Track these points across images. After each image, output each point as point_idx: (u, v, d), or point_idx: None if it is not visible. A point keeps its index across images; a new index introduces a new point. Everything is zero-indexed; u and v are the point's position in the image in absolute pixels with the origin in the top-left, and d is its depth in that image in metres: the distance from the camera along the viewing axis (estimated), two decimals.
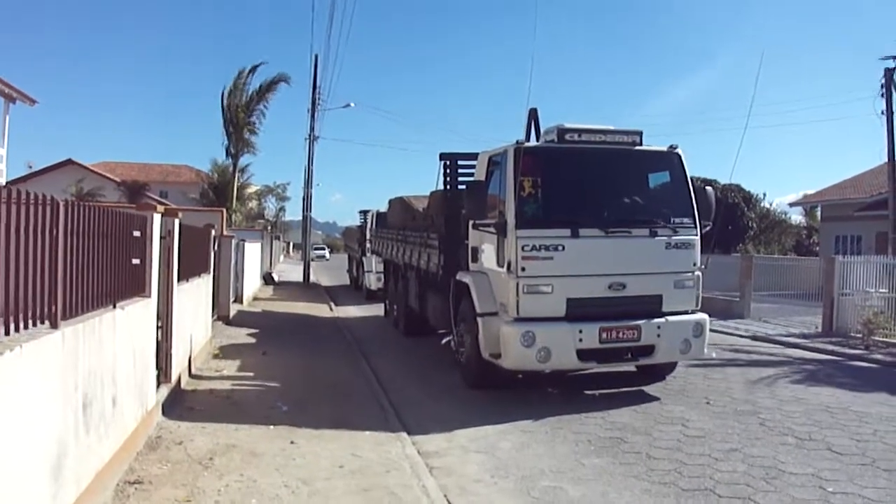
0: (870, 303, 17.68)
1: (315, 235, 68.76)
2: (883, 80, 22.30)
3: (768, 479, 7.22)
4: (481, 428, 9.15)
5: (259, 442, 7.96)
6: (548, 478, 7.33)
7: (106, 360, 6.04)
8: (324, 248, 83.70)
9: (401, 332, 17.93)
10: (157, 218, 8.03)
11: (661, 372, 11.83)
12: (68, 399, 5.06)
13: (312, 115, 38.69)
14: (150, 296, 7.84)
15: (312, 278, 38.80)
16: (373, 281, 26.76)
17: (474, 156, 12.44)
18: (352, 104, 42.83)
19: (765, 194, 48.97)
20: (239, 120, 39.22)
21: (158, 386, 8.64)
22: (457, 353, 12.13)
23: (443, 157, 13.42)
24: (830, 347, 16.31)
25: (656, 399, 10.71)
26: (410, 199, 17.77)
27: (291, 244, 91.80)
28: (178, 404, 9.32)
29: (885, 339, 16.58)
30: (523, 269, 10.10)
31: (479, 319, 10.77)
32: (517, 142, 10.63)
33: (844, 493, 6.85)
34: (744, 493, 6.82)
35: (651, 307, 10.63)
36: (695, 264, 10.98)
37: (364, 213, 30.11)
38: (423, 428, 9.10)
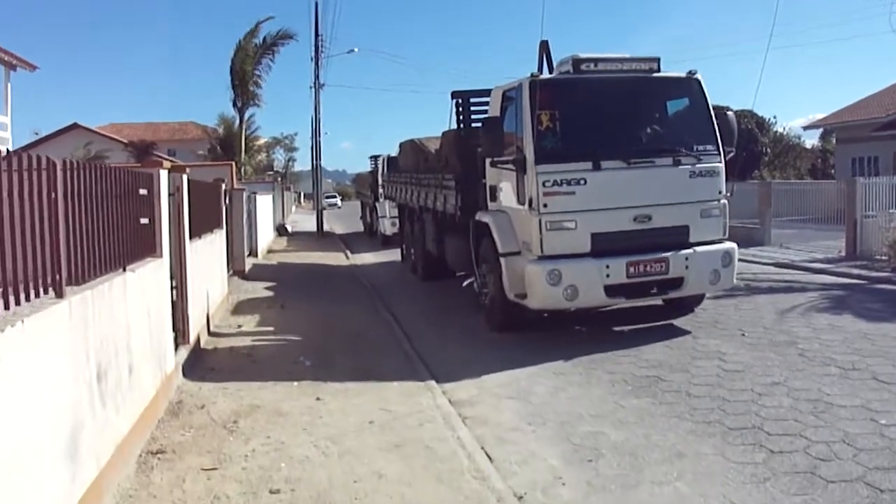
0: (894, 224, 17.26)
1: (325, 184, 68.13)
2: None
3: (816, 412, 6.91)
4: (511, 372, 8.89)
5: (284, 400, 7.69)
6: (587, 423, 7.05)
7: (119, 326, 5.73)
8: (335, 197, 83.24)
9: (419, 276, 17.51)
10: (163, 175, 7.65)
11: (689, 304, 11.52)
12: (80, 372, 4.75)
13: (316, 63, 38.17)
14: (161, 256, 7.52)
15: (326, 227, 38.45)
16: (387, 227, 26.28)
17: (487, 92, 11.94)
18: (355, 49, 42.30)
19: (775, 118, 47.79)
20: (246, 74, 38.55)
21: (177, 348, 8.38)
22: (480, 295, 11.81)
23: (454, 94, 12.90)
24: (856, 271, 15.93)
25: (688, 333, 10.38)
26: (422, 142, 17.28)
27: (302, 194, 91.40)
28: (199, 365, 9.07)
29: None
30: (545, 206, 9.73)
31: (501, 260, 10.46)
32: (532, 74, 10.26)
33: None
34: (793, 430, 6.51)
35: (678, 238, 10.26)
36: (720, 192, 10.58)
37: (375, 158, 29.64)
38: (450, 375, 8.83)
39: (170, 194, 8.15)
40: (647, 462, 6.05)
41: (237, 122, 41.69)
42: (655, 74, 10.73)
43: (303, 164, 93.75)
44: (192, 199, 9.40)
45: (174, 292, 8.50)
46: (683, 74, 10.86)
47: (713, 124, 10.65)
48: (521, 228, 10.31)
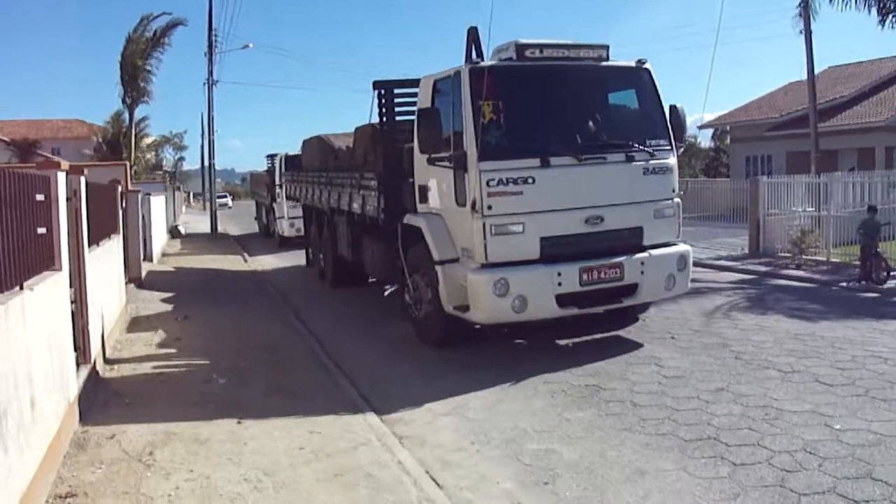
0: (796, 222, 17.63)
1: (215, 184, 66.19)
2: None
3: (769, 420, 6.76)
4: (442, 384, 8.44)
5: (202, 426, 6.97)
6: (534, 439, 6.64)
7: (18, 356, 4.95)
8: (226, 196, 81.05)
9: (329, 283, 16.40)
10: (61, 177, 6.84)
11: (633, 313, 10.85)
12: None
13: (210, 59, 36.86)
14: (60, 268, 6.71)
15: (220, 228, 37.20)
16: (285, 228, 25.66)
17: (414, 82, 10.87)
18: (250, 45, 40.97)
19: None
20: (136, 69, 36.87)
21: (78, 369, 7.55)
22: (410, 307, 10.71)
23: (377, 85, 11.44)
24: (763, 269, 16.25)
25: (616, 336, 10.19)
26: (329, 138, 16.38)
27: (192, 194, 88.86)
28: (102, 388, 8.22)
29: (813, 258, 16.54)
30: (490, 208, 8.81)
31: (437, 268, 9.55)
32: (471, 61, 9.33)
33: (853, 429, 6.43)
34: (751, 439, 6.33)
35: (632, 241, 9.58)
36: (674, 190, 9.98)
37: (271, 157, 28.82)
38: (378, 392, 8.28)
39: (67, 199, 7.33)
40: (609, 481, 5.70)
41: (127, 119, 39.94)
42: (604, 63, 9.96)
43: (191, 163, 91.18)
44: (89, 204, 8.56)
45: (73, 307, 7.68)
46: (633, 63, 10.12)
47: (665, 117, 10.01)
48: (459, 233, 9.42)
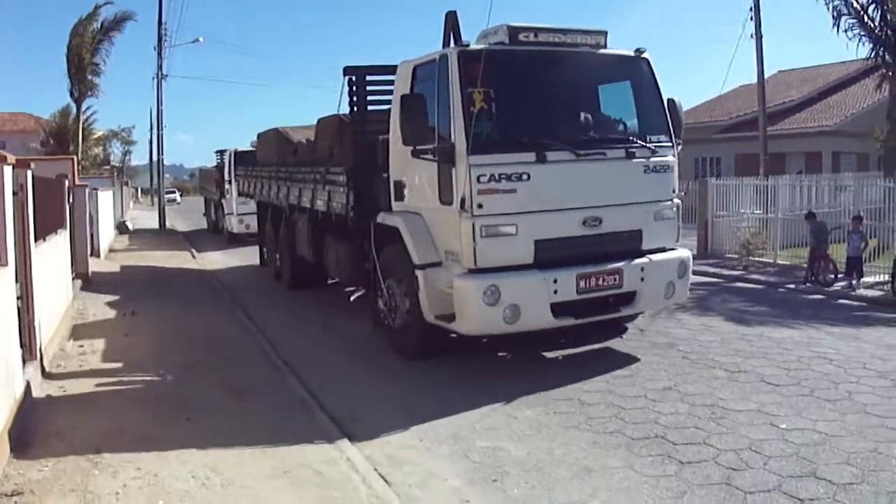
0: (744, 224, 18.00)
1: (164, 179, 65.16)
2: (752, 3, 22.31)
3: (715, 419, 6.94)
4: (393, 381, 8.57)
5: (150, 423, 6.93)
6: (483, 436, 6.73)
7: None
8: (174, 192, 79.96)
9: (285, 284, 15.67)
10: (7, 171, 6.74)
11: (621, 323, 10.35)
12: None
13: (159, 53, 36.27)
14: (6, 264, 6.61)
15: (168, 224, 36.73)
16: (234, 224, 25.55)
17: (389, 69, 10.10)
18: (200, 39, 40.57)
19: None
20: (83, 61, 36.18)
21: (24, 366, 7.45)
22: (385, 315, 9.84)
23: (347, 71, 10.41)
24: (711, 270, 16.57)
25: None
26: (287, 131, 15.52)
27: (140, 189, 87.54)
28: (49, 385, 8.12)
29: (761, 260, 16.93)
30: (480, 207, 8.04)
31: (418, 273, 8.73)
32: (460, 44, 8.54)
33: (799, 429, 6.61)
34: (697, 438, 6.49)
35: (630, 245, 8.93)
36: (674, 191, 9.41)
37: (221, 153, 28.55)
38: (329, 389, 8.27)
39: (14, 193, 7.24)
40: (556, 479, 5.81)
41: (74, 112, 39.21)
42: (603, 51, 9.25)
43: (140, 158, 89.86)
44: (35, 198, 8.45)
45: (20, 303, 7.58)
46: (631, 52, 9.46)
47: (665, 111, 9.38)
48: (442, 234, 8.67)
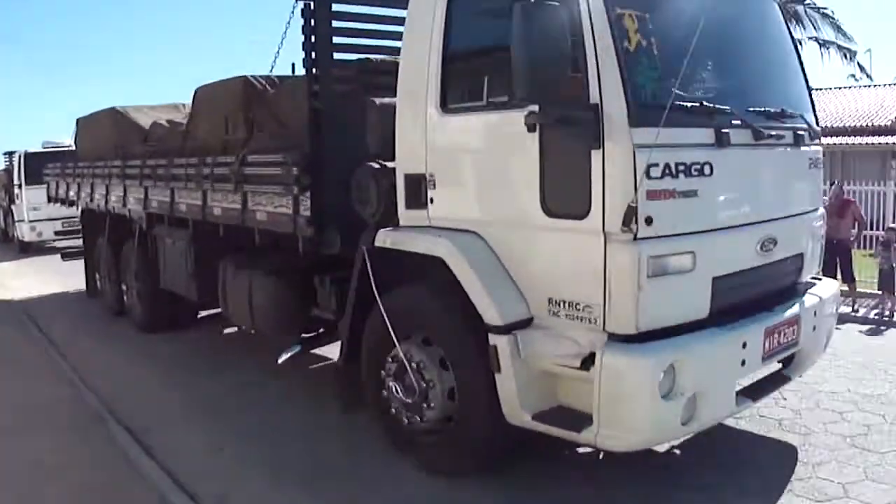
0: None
1: None
2: None
3: None
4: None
5: None
6: None
7: None
8: None
9: (136, 324, 10.95)
10: None
11: None
12: None
13: None
14: None
15: None
16: (26, 232, 23.86)
17: None
18: None
19: None
20: None
21: None
22: (398, 407, 5.59)
23: None
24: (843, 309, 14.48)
25: None
26: (129, 112, 11.27)
27: None
28: None
29: None
30: (649, 222, 4.36)
31: (496, 340, 4.80)
32: None
33: None
34: None
35: (792, 279, 5.84)
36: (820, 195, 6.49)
37: (10, 154, 26.81)
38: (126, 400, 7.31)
39: None
40: None
41: None
42: None
43: None
44: None
45: None
46: None
47: (806, 78, 6.18)
48: (542, 269, 4.89)
